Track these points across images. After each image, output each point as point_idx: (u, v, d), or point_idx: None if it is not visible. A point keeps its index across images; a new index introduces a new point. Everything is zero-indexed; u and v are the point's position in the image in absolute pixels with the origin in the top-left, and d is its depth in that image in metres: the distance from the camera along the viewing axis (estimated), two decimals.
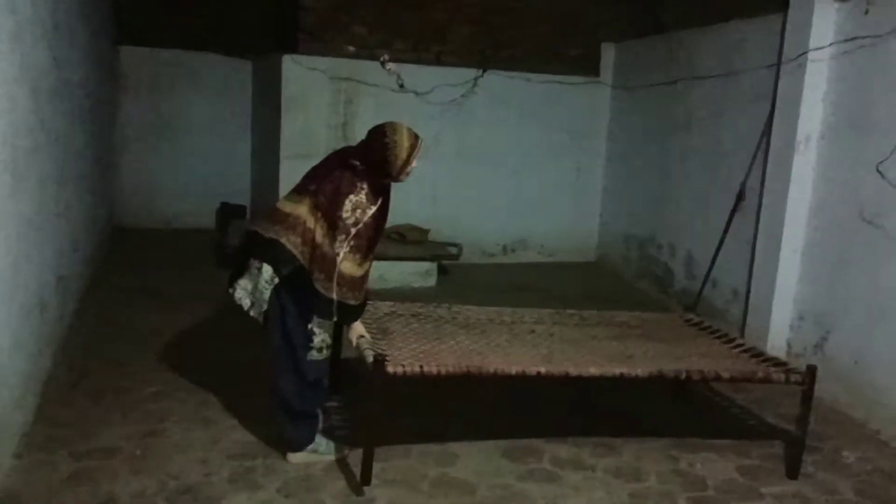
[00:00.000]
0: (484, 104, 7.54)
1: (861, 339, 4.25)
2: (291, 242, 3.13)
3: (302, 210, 3.16)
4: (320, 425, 3.43)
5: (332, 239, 3.07)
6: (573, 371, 3.27)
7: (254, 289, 3.26)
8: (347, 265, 3.09)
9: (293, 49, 7.05)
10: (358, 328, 3.37)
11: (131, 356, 4.48)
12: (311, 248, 3.11)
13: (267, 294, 3.20)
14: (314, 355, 3.24)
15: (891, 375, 3.98)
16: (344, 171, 3.16)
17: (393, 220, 7.10)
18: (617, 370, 3.31)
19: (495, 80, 7.49)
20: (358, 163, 3.17)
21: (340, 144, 7.24)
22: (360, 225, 3.09)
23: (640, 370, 3.33)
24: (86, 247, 5.71)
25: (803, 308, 4.76)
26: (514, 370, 3.22)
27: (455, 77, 7.37)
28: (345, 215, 3.08)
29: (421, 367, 3.13)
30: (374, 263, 6.40)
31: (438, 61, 7.48)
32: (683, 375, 3.36)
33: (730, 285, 5.58)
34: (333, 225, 3.08)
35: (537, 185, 7.87)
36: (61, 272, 4.44)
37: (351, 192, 3.11)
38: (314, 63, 6.99)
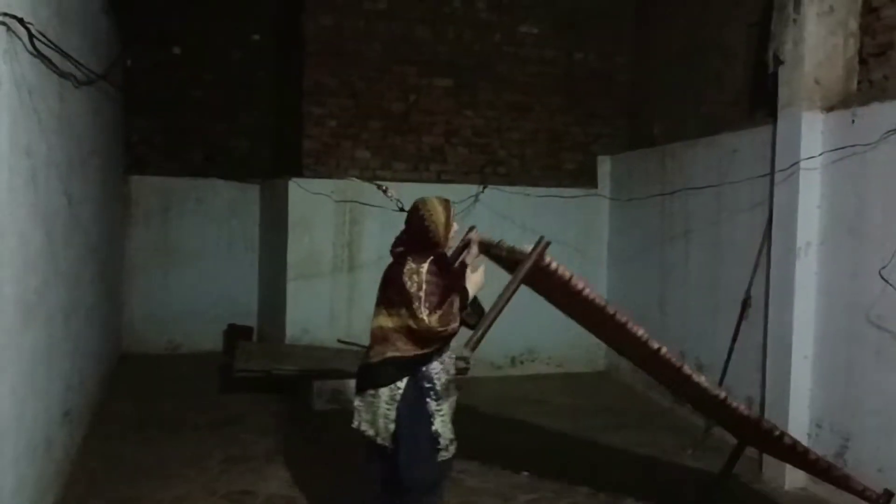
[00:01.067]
0: (486, 219, 7.63)
1: (882, 446, 4.15)
2: (398, 350, 3.30)
3: (383, 320, 3.37)
4: None
5: (414, 314, 3.22)
6: None
7: (373, 417, 3.37)
8: (433, 320, 3.22)
9: (298, 173, 7.26)
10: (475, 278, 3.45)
11: (136, 496, 4.36)
12: (409, 337, 3.29)
13: (392, 414, 3.30)
14: (443, 455, 3.36)
15: None
16: (395, 267, 3.37)
17: None
18: None
19: (495, 196, 7.65)
20: (402, 248, 3.41)
21: (346, 265, 7.41)
22: (424, 285, 3.23)
23: None
24: (93, 377, 5.69)
25: (819, 415, 4.67)
26: None
27: (456, 194, 7.44)
28: (409, 287, 3.23)
29: None
30: None
31: (439, 179, 7.69)
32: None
33: (744, 393, 5.49)
34: (408, 303, 3.23)
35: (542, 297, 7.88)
36: (68, 406, 4.41)
37: (403, 272, 3.28)
38: (319, 187, 7.18)
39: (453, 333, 3.36)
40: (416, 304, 3.21)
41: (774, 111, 4.89)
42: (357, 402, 3.48)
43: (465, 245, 3.71)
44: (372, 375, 3.39)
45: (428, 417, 3.34)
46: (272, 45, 8.66)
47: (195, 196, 8.51)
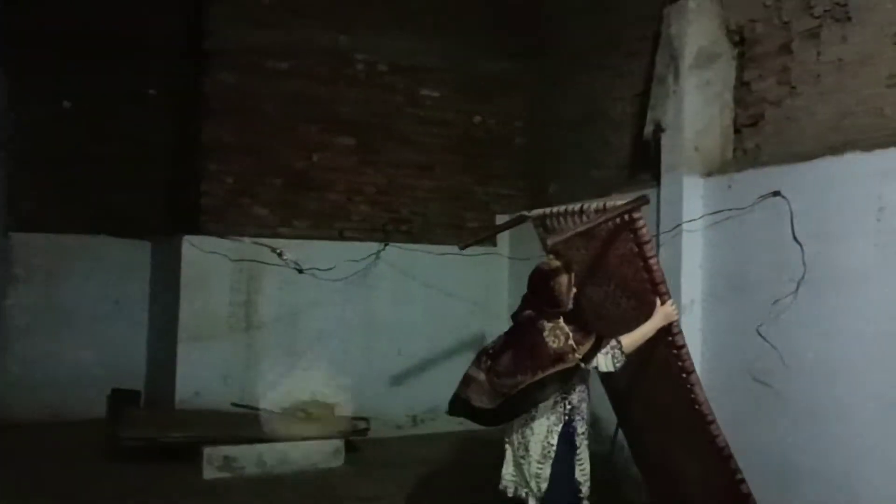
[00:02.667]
0: (388, 277, 7.67)
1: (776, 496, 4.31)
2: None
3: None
4: None
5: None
6: None
7: (522, 475, 3.59)
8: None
9: (193, 231, 7.08)
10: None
11: None
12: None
13: (546, 472, 3.50)
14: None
15: None
16: (530, 332, 3.57)
17: (297, 395, 7.08)
18: None
19: (398, 254, 7.67)
20: (531, 311, 3.64)
21: (243, 324, 7.21)
22: (571, 334, 3.47)
23: None
24: None
25: None
26: None
27: (358, 252, 7.51)
28: (558, 344, 3.44)
29: None
30: (274, 446, 6.18)
31: (342, 237, 7.66)
32: None
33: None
34: (559, 358, 3.41)
35: (445, 352, 7.89)
36: None
37: (545, 336, 3.48)
38: (215, 245, 7.00)
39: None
40: (569, 356, 3.43)
41: (658, 176, 5.15)
42: (505, 467, 3.69)
43: None
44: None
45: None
46: (168, 101, 8.50)
47: (84, 254, 8.13)
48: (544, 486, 3.50)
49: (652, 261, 3.57)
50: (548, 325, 3.52)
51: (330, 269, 6.89)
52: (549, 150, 7.76)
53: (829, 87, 4.09)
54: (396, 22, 7.86)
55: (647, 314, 3.64)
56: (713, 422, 3.65)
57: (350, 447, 6.82)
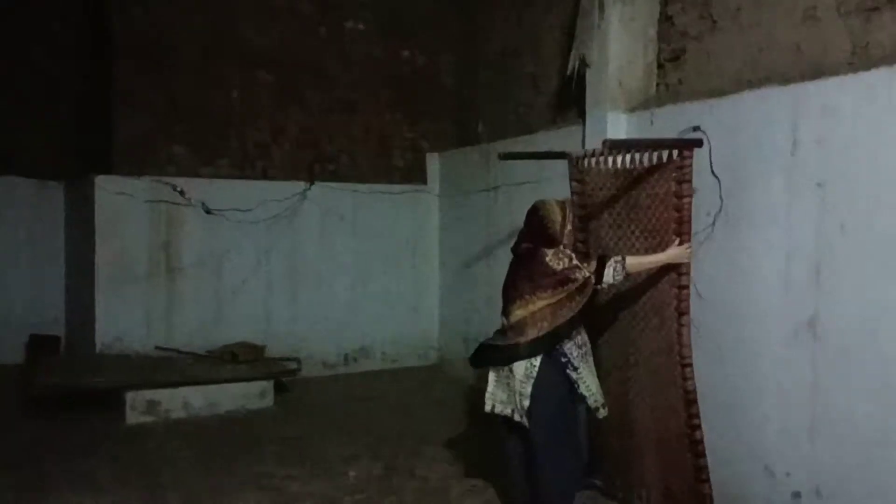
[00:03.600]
0: (315, 217, 7.53)
1: None
2: (535, 328, 3.71)
3: (531, 307, 3.72)
4: None
5: (577, 280, 3.67)
6: None
7: (509, 394, 3.80)
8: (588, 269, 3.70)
9: (107, 171, 6.78)
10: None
11: None
12: (552, 315, 3.71)
13: (528, 389, 3.71)
14: (601, 413, 3.96)
15: None
16: (530, 260, 3.78)
17: (223, 339, 6.98)
18: None
19: (325, 193, 7.52)
20: (529, 244, 3.83)
21: (163, 268, 7.00)
22: (574, 256, 3.78)
23: None
24: None
25: None
26: None
27: (283, 192, 7.33)
28: (561, 266, 3.69)
29: None
30: (200, 389, 6.10)
31: (265, 176, 7.46)
32: None
33: None
34: (565, 278, 3.67)
35: (375, 294, 7.85)
36: None
37: (547, 260, 3.71)
38: (130, 185, 6.73)
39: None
40: (577, 273, 3.65)
41: (583, 112, 5.13)
42: (490, 388, 3.89)
43: None
44: (509, 355, 3.77)
45: (571, 385, 3.83)
46: (77, 39, 8.02)
47: None
48: (526, 403, 3.71)
49: (686, 200, 3.76)
50: (549, 251, 3.74)
51: (248, 210, 6.67)
52: (478, 87, 7.65)
53: (747, 22, 4.10)
54: None
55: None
56: (689, 365, 3.81)
57: (281, 388, 6.79)
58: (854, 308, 3.35)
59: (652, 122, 4.61)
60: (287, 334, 7.35)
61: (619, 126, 4.86)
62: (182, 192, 6.32)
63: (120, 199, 6.70)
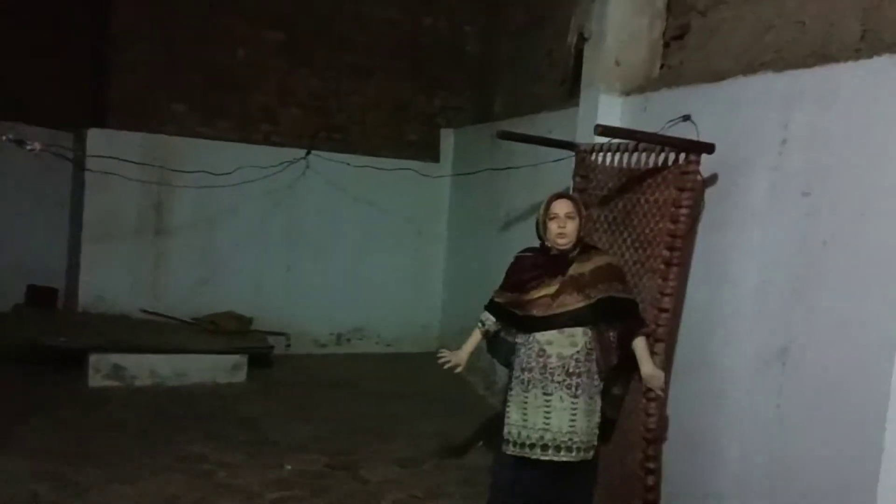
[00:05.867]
0: (316, 188, 7.17)
1: None
2: None
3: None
4: None
5: None
6: None
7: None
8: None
9: (102, 124, 6.57)
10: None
11: None
12: None
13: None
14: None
15: None
16: None
17: (212, 306, 6.73)
18: None
19: (328, 164, 7.13)
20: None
21: (153, 228, 6.79)
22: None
23: None
24: None
25: None
26: None
27: (284, 158, 6.97)
28: None
29: None
30: (169, 358, 5.80)
31: (268, 141, 7.14)
32: None
33: None
34: None
35: (375, 272, 7.47)
36: None
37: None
38: (124, 139, 6.50)
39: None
40: None
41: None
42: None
43: None
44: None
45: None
46: None
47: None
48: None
49: (684, 211, 3.27)
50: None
51: (227, 173, 6.33)
52: (499, 60, 7.13)
53: None
54: None
55: (651, 269, 3.39)
56: (654, 400, 3.32)
57: (262, 363, 6.52)
58: (829, 342, 2.77)
59: (645, 109, 4.05)
60: (279, 307, 7.05)
61: (612, 111, 4.30)
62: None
63: (114, 152, 6.46)
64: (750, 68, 3.37)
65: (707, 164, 3.43)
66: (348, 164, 7.05)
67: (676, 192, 3.29)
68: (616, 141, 3.71)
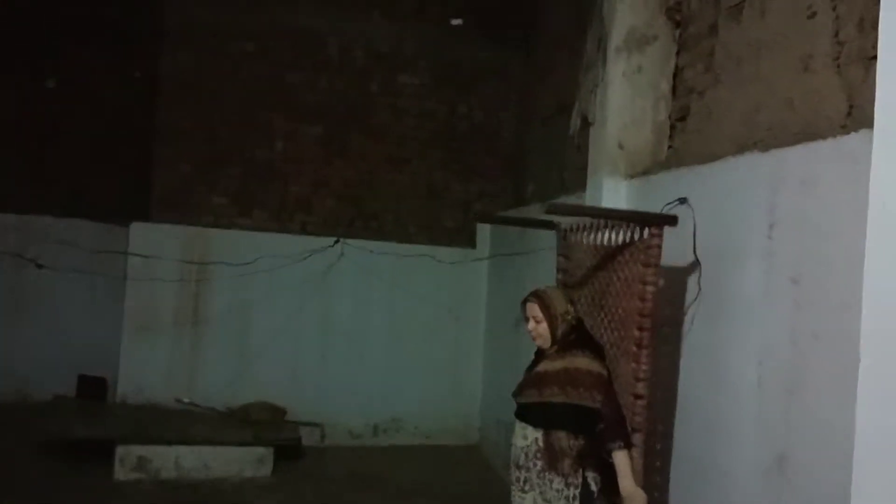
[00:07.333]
0: (351, 276, 7.18)
1: None
2: None
3: None
4: None
5: None
6: None
7: None
8: None
9: (145, 217, 6.82)
10: None
11: None
12: None
13: None
14: None
15: None
16: None
17: (248, 396, 6.72)
18: None
19: (363, 252, 7.15)
20: None
21: (190, 318, 6.90)
22: None
23: None
24: None
25: None
26: None
27: (317, 248, 7.05)
28: None
29: None
30: (194, 449, 5.79)
31: (304, 231, 7.24)
32: None
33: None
34: None
35: (411, 361, 7.34)
36: None
37: None
38: (166, 232, 6.73)
39: None
40: None
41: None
42: None
43: None
44: None
45: None
46: (151, 84, 8.28)
47: (57, 237, 8.02)
48: None
49: (650, 288, 3.13)
50: None
51: (248, 263, 6.40)
52: (530, 147, 7.09)
53: (747, 74, 3.31)
54: (373, 4, 7.36)
55: (625, 351, 3.19)
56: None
57: (294, 454, 6.42)
58: (824, 448, 2.47)
59: (647, 193, 3.88)
60: (314, 397, 6.99)
61: (617, 195, 4.15)
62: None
63: (155, 245, 6.71)
64: (743, 148, 3.18)
65: (702, 249, 3.23)
66: (383, 252, 7.07)
67: (642, 268, 3.14)
68: (587, 219, 3.60)
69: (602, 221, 3.51)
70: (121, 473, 5.70)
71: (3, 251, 7.82)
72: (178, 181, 6.94)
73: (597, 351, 3.09)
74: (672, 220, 3.18)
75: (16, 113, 7.78)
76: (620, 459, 2.89)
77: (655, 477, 3.44)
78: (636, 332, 3.14)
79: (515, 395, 3.19)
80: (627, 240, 3.35)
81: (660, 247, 3.14)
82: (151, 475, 5.75)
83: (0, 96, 7.58)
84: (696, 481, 3.15)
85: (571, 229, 3.88)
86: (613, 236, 3.48)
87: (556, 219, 3.81)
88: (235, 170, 7.09)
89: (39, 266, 5.58)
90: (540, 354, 3.19)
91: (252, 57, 7.09)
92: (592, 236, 3.67)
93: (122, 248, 8.21)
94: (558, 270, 3.98)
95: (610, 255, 3.47)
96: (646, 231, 3.23)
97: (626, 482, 2.88)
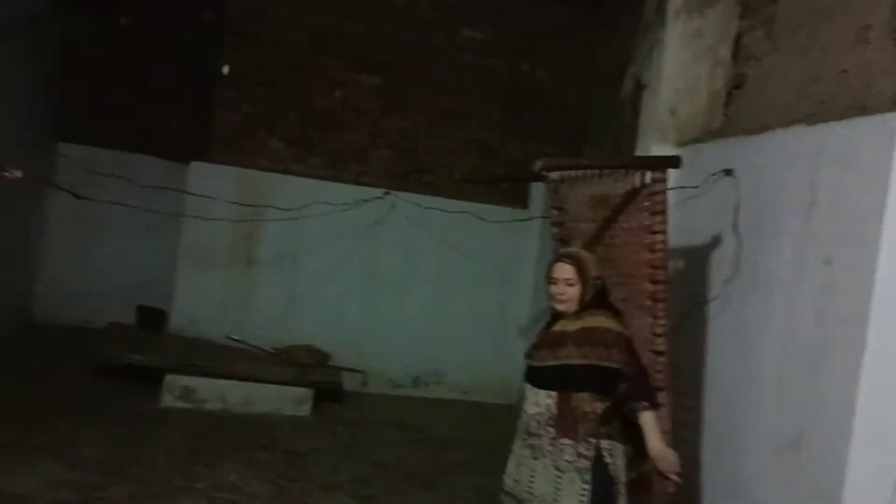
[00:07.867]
0: (401, 228, 7.21)
1: None
2: None
3: None
4: None
5: None
6: None
7: None
8: None
9: (203, 157, 6.99)
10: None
11: None
12: None
13: None
14: None
15: None
16: None
17: (294, 337, 6.91)
18: None
19: (413, 206, 7.15)
20: None
21: (244, 258, 7.09)
22: None
23: None
24: None
25: None
26: None
27: (370, 197, 7.09)
28: None
29: None
30: (239, 385, 5.96)
31: (358, 181, 7.29)
32: None
33: None
34: None
35: (456, 318, 7.39)
36: None
37: None
38: (223, 173, 6.89)
39: None
40: None
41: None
42: None
43: None
44: None
45: None
46: (221, 26, 8.39)
47: (124, 171, 8.28)
48: None
49: (660, 237, 2.96)
50: None
51: (300, 208, 6.49)
52: (591, 110, 6.95)
53: (804, 42, 3.15)
54: None
55: (638, 306, 3.06)
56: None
57: (335, 398, 6.59)
58: (839, 434, 2.40)
59: (694, 162, 3.75)
60: (359, 344, 7.12)
61: None
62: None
63: (212, 185, 6.86)
64: (794, 121, 3.05)
65: (746, 223, 3.13)
66: (433, 207, 7.06)
67: (649, 217, 2.97)
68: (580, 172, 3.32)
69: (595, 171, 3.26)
70: (168, 401, 5.95)
71: (71, 184, 8.16)
72: (238, 124, 7.07)
73: (615, 311, 3.00)
74: (674, 162, 2.98)
75: (89, 49, 8.02)
76: (647, 420, 2.79)
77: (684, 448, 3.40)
78: (649, 286, 2.99)
79: (528, 355, 3.10)
80: (630, 188, 3.10)
81: (665, 192, 2.97)
82: (196, 405, 5.98)
83: (75, 33, 7.77)
84: (713, 456, 3.10)
85: (563, 180, 3.48)
86: (612, 183, 3.20)
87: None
88: (294, 115, 7.17)
89: (93, 201, 5.78)
90: (556, 315, 3.09)
91: (316, 3, 7.10)
92: (588, 186, 3.36)
93: (182, 186, 8.50)
94: (553, 224, 3.67)
95: (610, 204, 3.23)
96: (647, 176, 3.01)
97: (655, 443, 2.78)
